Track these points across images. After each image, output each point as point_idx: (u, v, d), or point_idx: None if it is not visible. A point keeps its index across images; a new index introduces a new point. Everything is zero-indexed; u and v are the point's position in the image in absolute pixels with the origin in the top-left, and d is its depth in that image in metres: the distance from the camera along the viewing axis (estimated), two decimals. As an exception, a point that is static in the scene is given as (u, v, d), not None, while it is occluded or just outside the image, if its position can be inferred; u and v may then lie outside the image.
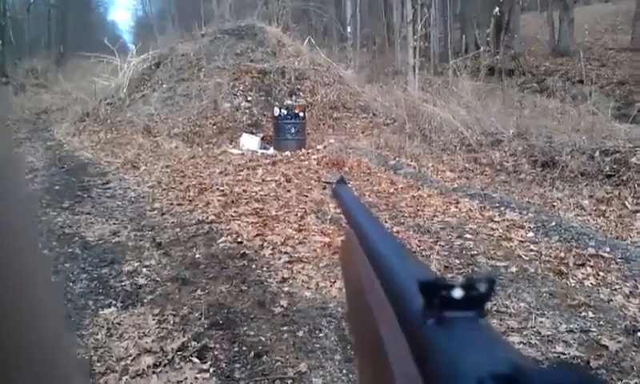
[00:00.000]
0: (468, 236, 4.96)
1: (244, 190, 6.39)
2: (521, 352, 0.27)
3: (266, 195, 6.20)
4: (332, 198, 0.94)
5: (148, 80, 12.58)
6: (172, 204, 5.97)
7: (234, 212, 5.51)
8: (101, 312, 3.49)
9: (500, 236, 4.98)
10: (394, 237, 0.52)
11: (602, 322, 3.45)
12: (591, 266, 4.30)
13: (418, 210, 5.74)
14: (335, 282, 3.83)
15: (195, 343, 3.07)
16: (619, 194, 6.16)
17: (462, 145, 8.73)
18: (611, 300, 3.76)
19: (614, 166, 6.73)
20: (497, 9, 16.34)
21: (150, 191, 6.59)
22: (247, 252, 4.43)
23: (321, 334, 3.21)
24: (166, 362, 2.90)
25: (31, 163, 8.30)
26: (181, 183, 6.88)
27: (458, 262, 4.35)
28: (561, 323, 3.41)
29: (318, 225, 5.08)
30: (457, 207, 5.85)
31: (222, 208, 5.66)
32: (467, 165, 7.94)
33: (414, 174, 7.41)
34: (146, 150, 9.21)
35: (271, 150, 9.21)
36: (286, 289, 3.79)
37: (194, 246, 4.62)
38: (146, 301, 3.68)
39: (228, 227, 5.06)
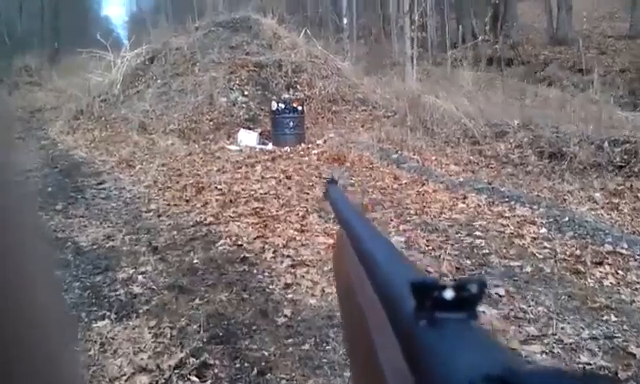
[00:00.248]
0: (478, 233, 4.75)
1: (243, 189, 6.16)
2: (512, 353, 0.23)
3: (265, 194, 5.97)
4: (324, 199, 0.84)
5: (142, 76, 12.33)
6: (168, 205, 5.75)
7: (233, 212, 5.28)
8: (94, 325, 3.28)
9: (511, 233, 4.76)
10: (385, 237, 0.50)
11: (626, 327, 3.24)
12: (609, 264, 4.10)
13: (424, 206, 5.52)
14: (342, 287, 3.62)
15: (194, 359, 2.85)
16: (631, 186, 5.96)
17: (465, 137, 8.51)
18: (634, 301, 3.56)
19: (625, 157, 6.53)
20: (496, -2, 16.08)
21: (146, 191, 6.37)
22: (247, 256, 4.21)
23: (328, 347, 3.00)
24: (163, 381, 2.69)
25: (24, 163, 8.06)
26: (177, 182, 6.65)
27: (469, 262, 4.13)
28: (583, 329, 3.20)
29: (320, 224, 4.86)
30: (464, 203, 5.64)
31: (220, 208, 5.44)
32: (472, 157, 7.73)
33: (418, 168, 7.19)
34: (141, 148, 8.98)
35: (270, 146, 8.98)
36: (289, 296, 3.57)
37: (191, 250, 4.39)
38: (141, 311, 3.46)
39: (227, 229, 4.84)
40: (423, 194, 5.95)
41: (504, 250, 4.38)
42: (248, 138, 9.24)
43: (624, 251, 4.25)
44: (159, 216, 5.39)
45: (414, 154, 7.96)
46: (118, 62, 12.81)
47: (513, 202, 5.53)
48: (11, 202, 0.24)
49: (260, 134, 9.58)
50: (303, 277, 3.81)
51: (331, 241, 4.39)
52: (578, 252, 4.35)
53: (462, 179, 6.67)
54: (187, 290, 3.69)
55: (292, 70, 11.73)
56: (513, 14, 22.73)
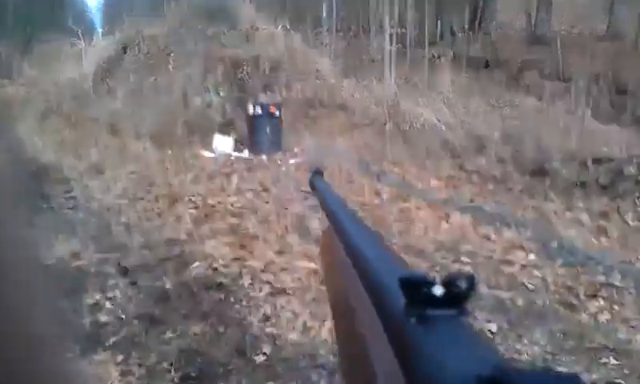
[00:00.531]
0: (465, 259, 4.57)
1: (218, 202, 5.89)
2: (502, 351, 0.32)
3: (242, 208, 5.71)
4: (309, 190, 0.82)
5: (114, 70, 11.89)
6: (140, 218, 5.45)
7: (209, 229, 5.01)
8: (55, 360, 2.99)
9: (499, 259, 4.59)
10: (372, 230, 0.50)
11: (626, 370, 3.08)
12: (604, 298, 3.95)
13: (408, 225, 5.32)
14: (325, 320, 3.38)
15: (165, 408, 2.60)
16: (618, 207, 5.84)
17: (445, 148, 8.34)
18: (632, 341, 3.39)
19: (610, 176, 6.41)
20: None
21: (116, 202, 6.05)
22: (224, 281, 3.95)
23: (312, 393, 2.77)
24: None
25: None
26: (149, 192, 6.34)
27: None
28: (582, 373, 3.01)
29: (301, 245, 4.61)
30: (448, 222, 5.45)
31: (194, 224, 5.15)
32: (452, 172, 7.55)
33: (399, 182, 6.99)
34: (111, 153, 8.60)
35: (246, 153, 8.70)
36: (268, 330, 3.33)
37: (163, 274, 4.12)
38: (108, 345, 3.19)
39: (201, 248, 4.56)
40: (406, 212, 5.75)
41: (493, 279, 4.20)
42: (223, 143, 8.93)
43: (617, 283, 4.10)
44: (130, 231, 5.09)
45: (394, 167, 7.76)
46: (89, 50, 12.36)
47: (498, 224, 5.35)
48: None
49: (236, 140, 9.28)
50: (283, 307, 3.57)
51: (312, 265, 4.16)
52: (569, 282, 4.19)
53: (444, 195, 6.50)
54: (158, 320, 3.43)
55: (269, 68, 11.41)
56: (492, 10, 22.56)
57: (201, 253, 4.47)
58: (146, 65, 11.63)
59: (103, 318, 3.48)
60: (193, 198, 5.99)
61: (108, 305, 3.66)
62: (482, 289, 4.00)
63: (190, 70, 11.05)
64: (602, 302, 3.86)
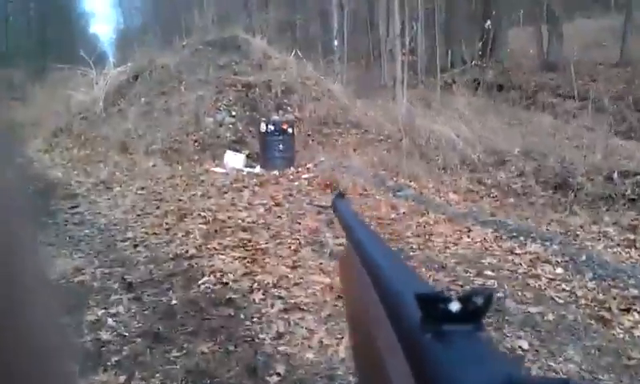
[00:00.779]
0: (488, 273, 4.31)
1: (229, 217, 5.67)
2: (519, 366, 0.26)
3: (253, 223, 5.49)
4: (332, 212, 0.81)
5: (126, 93, 11.79)
6: (147, 233, 5.24)
7: (218, 244, 4.79)
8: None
9: (525, 273, 4.33)
10: (392, 250, 0.50)
11: (672, 390, 2.80)
12: (638, 312, 3.67)
13: (427, 240, 5.07)
14: (342, 337, 3.14)
15: (168, 432, 2.36)
16: (647, 221, 5.56)
17: (462, 164, 8.10)
18: (673, 357, 3.12)
19: (637, 190, 6.13)
20: (489, 22, 15.87)
21: (123, 217, 5.87)
22: (234, 297, 3.71)
23: (330, 417, 2.52)
24: None
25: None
26: (158, 208, 6.15)
27: (483, 307, 3.67)
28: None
29: (315, 260, 4.38)
30: (469, 236, 5.20)
31: (203, 239, 4.94)
32: (471, 186, 7.30)
33: (416, 196, 6.75)
34: (121, 169, 8.46)
35: (257, 169, 8.51)
36: (282, 348, 3.08)
37: (170, 289, 3.89)
38: (110, 364, 2.96)
39: (211, 263, 4.34)
40: (424, 226, 5.50)
41: (519, 293, 3.94)
42: (235, 160, 8.76)
43: (652, 297, 3.83)
44: (136, 246, 4.88)
45: (411, 181, 7.53)
46: (101, 79, 12.31)
47: (522, 238, 5.10)
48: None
49: (247, 156, 9.10)
50: (297, 324, 3.32)
51: (328, 280, 3.93)
52: (600, 296, 3.93)
53: (463, 209, 6.26)
54: (164, 338, 3.20)
55: (282, 90, 11.27)
56: (503, 39, 22.57)
57: (210, 268, 4.25)
58: (158, 90, 11.53)
59: (105, 336, 3.25)
60: (202, 213, 5.78)
61: (111, 322, 3.44)
62: (509, 303, 3.75)
63: (202, 93, 10.93)
64: (636, 316, 3.59)
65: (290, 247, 4.69)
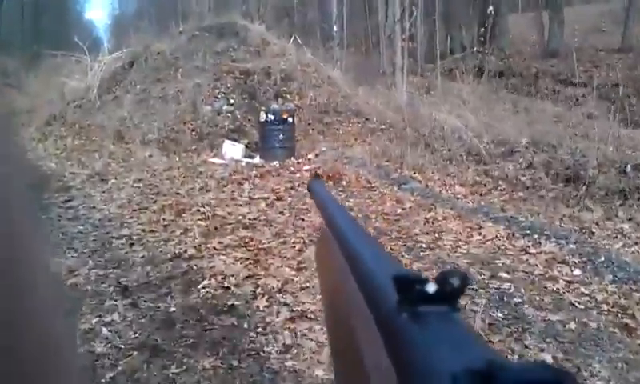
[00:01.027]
0: (503, 275, 4.10)
1: (229, 213, 5.44)
2: (494, 347, 0.31)
3: (255, 219, 5.26)
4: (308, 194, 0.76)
5: (121, 81, 11.52)
6: (144, 230, 5.02)
7: (219, 243, 4.56)
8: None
9: (541, 274, 4.11)
10: (369, 233, 0.51)
11: None
12: (663, 319, 3.46)
13: (437, 238, 4.85)
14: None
15: None
16: (665, 217, 5.35)
17: (468, 154, 7.87)
18: None
19: (653, 183, 5.92)
20: (491, 7, 15.58)
21: (119, 212, 5.64)
22: (236, 303, 3.49)
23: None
24: None
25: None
26: (154, 202, 5.92)
27: (501, 315, 3.46)
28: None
29: (321, 261, 4.15)
30: (480, 234, 4.98)
31: (203, 237, 4.71)
32: (478, 178, 7.07)
33: (421, 189, 6.53)
34: (116, 159, 8.22)
35: (257, 159, 8.27)
36: (289, 363, 2.86)
37: (168, 293, 3.67)
38: (104, 381, 2.74)
39: (211, 265, 4.12)
40: (432, 222, 5.28)
41: (537, 298, 3.72)
42: (233, 150, 8.52)
43: (679, 302, 3.62)
44: (132, 245, 4.66)
45: (415, 173, 7.30)
46: (95, 65, 12.02)
47: (536, 236, 4.88)
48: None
49: (246, 146, 8.86)
50: (305, 335, 3.10)
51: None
52: (622, 301, 3.72)
53: (471, 204, 6.04)
54: (162, 350, 2.97)
55: (281, 78, 11.00)
56: (504, 25, 22.31)
57: (210, 270, 4.02)
58: (154, 77, 11.25)
59: (99, 348, 3.03)
60: (201, 209, 5.54)
61: (105, 331, 3.22)
62: (529, 310, 3.54)
63: (200, 80, 10.66)
64: (663, 325, 3.38)
65: (294, 246, 4.47)
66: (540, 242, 4.72)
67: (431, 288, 0.27)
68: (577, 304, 3.68)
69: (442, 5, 22.70)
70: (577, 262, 4.33)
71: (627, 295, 3.80)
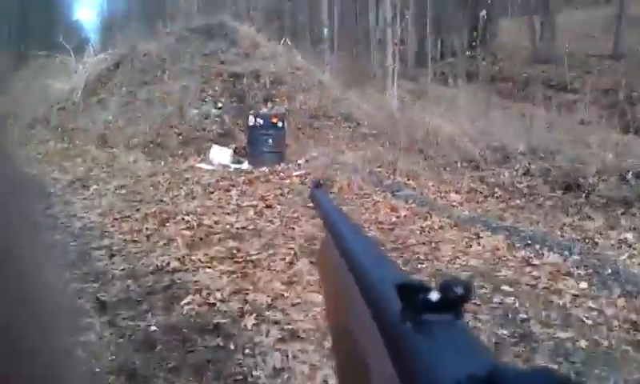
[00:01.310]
0: (506, 288, 3.87)
1: (215, 222, 5.18)
2: (498, 355, 0.31)
3: (243, 229, 5.00)
4: (310, 202, 0.78)
5: (106, 83, 11.22)
6: (125, 240, 4.75)
7: (204, 255, 4.30)
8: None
9: (546, 288, 3.89)
10: (372, 241, 0.50)
11: None
12: (677, 337, 3.25)
13: (434, 248, 4.62)
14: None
15: None
16: (669, 226, 5.16)
17: (463, 160, 7.67)
18: None
19: (655, 191, 5.74)
20: (484, 11, 15.46)
21: (100, 221, 5.36)
22: (222, 321, 3.23)
23: None
24: None
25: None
26: (137, 210, 5.65)
27: (506, 332, 3.23)
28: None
29: (313, 274, 3.90)
30: (479, 244, 4.76)
31: (187, 249, 4.44)
32: (473, 185, 6.88)
33: (416, 197, 6.31)
34: (99, 165, 7.94)
35: (245, 165, 8.02)
36: (280, 390, 2.62)
37: (149, 310, 3.40)
38: (74, 411, 2.47)
39: (195, 279, 3.86)
40: (429, 232, 5.06)
41: (544, 314, 3.49)
42: (221, 155, 8.26)
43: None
44: (112, 256, 4.39)
45: (409, 180, 7.09)
46: (80, 67, 11.74)
47: (537, 246, 4.66)
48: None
49: (234, 150, 8.61)
50: (297, 357, 2.85)
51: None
52: (633, 316, 3.50)
53: (468, 212, 5.82)
54: (140, 376, 2.71)
55: (270, 81, 10.75)
56: (493, 30, 22.26)
57: (194, 284, 3.76)
58: (140, 79, 10.97)
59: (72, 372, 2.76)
60: (186, 218, 5.28)
61: (80, 353, 2.94)
62: (536, 327, 3.31)
63: (187, 82, 10.39)
64: (677, 343, 3.17)
65: (284, 258, 4.21)
66: (542, 253, 4.50)
67: (434, 296, 0.27)
68: (585, 320, 3.45)
69: (433, 9, 22.59)
70: (582, 274, 4.11)
71: (638, 310, 3.58)
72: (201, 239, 4.68)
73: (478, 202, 6.28)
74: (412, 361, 0.26)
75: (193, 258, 4.24)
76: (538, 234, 4.98)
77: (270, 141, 7.95)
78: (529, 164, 6.95)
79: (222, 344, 2.99)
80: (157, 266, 4.11)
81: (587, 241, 4.91)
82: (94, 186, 6.69)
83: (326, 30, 18.91)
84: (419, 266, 4.23)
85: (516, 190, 6.55)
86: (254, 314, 3.29)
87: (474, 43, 15.81)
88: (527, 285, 3.94)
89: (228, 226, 5.04)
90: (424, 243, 4.73)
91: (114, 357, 2.90)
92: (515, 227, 5.19)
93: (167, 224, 5.12)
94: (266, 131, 7.94)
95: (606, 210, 5.71)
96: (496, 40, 22.23)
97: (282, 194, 6.28)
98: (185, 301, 3.50)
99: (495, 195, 6.53)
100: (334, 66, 16.10)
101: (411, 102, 12.37)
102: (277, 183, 6.88)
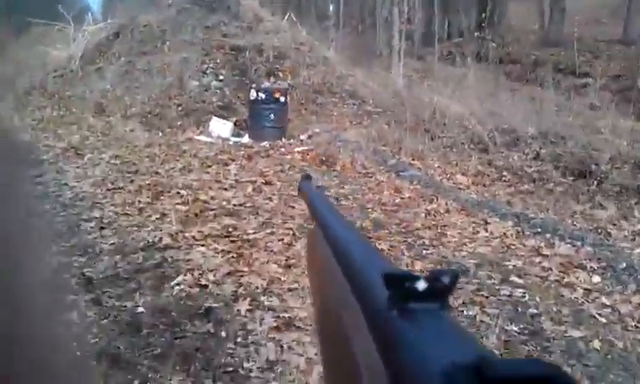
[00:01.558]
0: (515, 279, 3.66)
1: (212, 197, 4.96)
2: (483, 343, 0.28)
3: (240, 205, 4.78)
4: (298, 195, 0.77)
5: (105, 52, 10.93)
6: (117, 213, 4.54)
7: (198, 232, 4.08)
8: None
9: (557, 280, 3.68)
10: (359, 231, 0.51)
11: None
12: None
13: (440, 233, 4.41)
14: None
15: None
16: (685, 218, 4.94)
17: (470, 142, 7.43)
18: None
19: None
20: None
21: (92, 191, 5.15)
22: (214, 305, 3.02)
23: None
24: None
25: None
26: (131, 181, 5.43)
27: (517, 329, 3.02)
28: None
29: (311, 257, 3.69)
30: (486, 230, 4.55)
31: (181, 224, 4.23)
32: (480, 167, 6.65)
33: (421, 178, 6.08)
34: (95, 133, 7.71)
35: (246, 138, 7.79)
36: (273, 384, 2.41)
37: (137, 290, 3.20)
38: (49, 398, 2.27)
39: (188, 257, 3.65)
40: (434, 215, 4.84)
41: (555, 309, 3.29)
42: (221, 128, 8.03)
43: None
44: (102, 229, 4.18)
45: (414, 160, 6.87)
46: (79, 36, 11.46)
47: (548, 235, 4.44)
48: None
49: (235, 124, 8.37)
50: (292, 349, 2.64)
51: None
52: (650, 316, 3.29)
53: (475, 196, 5.60)
54: (124, 361, 2.51)
55: (274, 55, 10.48)
56: (502, 11, 21.88)
57: (186, 263, 3.55)
58: (139, 49, 10.69)
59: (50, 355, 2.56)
60: (182, 192, 5.06)
61: (60, 331, 2.74)
62: (547, 324, 3.11)
63: (188, 54, 10.11)
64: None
65: (282, 239, 4.00)
66: (553, 243, 4.29)
67: (421, 285, 0.27)
68: (598, 317, 3.25)
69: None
70: (595, 267, 3.90)
71: (654, 309, 3.38)
72: (196, 215, 4.47)
73: (485, 186, 6.06)
74: (398, 348, 0.26)
75: (186, 234, 4.03)
76: (549, 222, 4.76)
77: (272, 115, 7.71)
78: (539, 148, 6.71)
79: (212, 331, 2.78)
80: (148, 241, 3.90)
81: (600, 231, 4.70)
82: (89, 155, 6.46)
83: (331, 7, 18.55)
84: (424, 251, 4.02)
85: (525, 174, 6.32)
86: (249, 299, 3.09)
87: (482, 24, 15.42)
88: (537, 276, 3.73)
89: (225, 202, 4.82)
90: (429, 227, 4.52)
91: (97, 339, 2.70)
92: (525, 214, 4.97)
93: (161, 197, 4.91)
94: (268, 105, 7.70)
95: (619, 199, 5.49)
96: (504, 22, 21.84)
97: (282, 171, 6.06)
98: (175, 281, 3.29)
99: (503, 179, 6.31)
100: (339, 42, 15.81)
101: (418, 80, 12.10)
102: (277, 159, 6.66)
